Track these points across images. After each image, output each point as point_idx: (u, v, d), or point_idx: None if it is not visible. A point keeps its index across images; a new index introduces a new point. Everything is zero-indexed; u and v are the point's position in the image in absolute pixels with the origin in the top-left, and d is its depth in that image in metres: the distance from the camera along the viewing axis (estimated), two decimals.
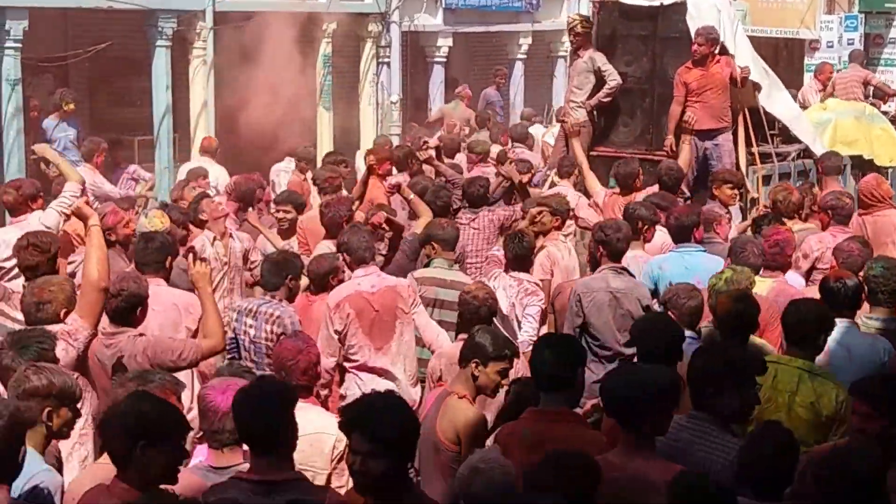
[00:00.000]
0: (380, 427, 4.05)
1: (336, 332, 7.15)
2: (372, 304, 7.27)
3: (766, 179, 11.71)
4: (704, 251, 8.25)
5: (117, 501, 4.04)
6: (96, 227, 6.24)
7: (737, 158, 11.52)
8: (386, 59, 18.24)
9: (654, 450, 4.70)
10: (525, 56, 20.62)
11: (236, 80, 18.18)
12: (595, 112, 11.75)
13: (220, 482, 4.46)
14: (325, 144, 17.46)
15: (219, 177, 13.09)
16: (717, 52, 11.19)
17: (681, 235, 8.30)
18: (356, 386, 7.10)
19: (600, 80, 11.63)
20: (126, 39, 15.58)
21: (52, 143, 14.06)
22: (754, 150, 11.82)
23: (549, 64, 21.67)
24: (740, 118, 11.66)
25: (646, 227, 8.44)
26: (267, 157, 17.40)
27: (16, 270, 7.88)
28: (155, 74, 15.07)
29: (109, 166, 14.02)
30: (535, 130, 16.17)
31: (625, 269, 7.71)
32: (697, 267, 7.92)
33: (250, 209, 10.01)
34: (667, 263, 8.12)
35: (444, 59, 19.34)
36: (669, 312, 6.63)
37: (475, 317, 6.58)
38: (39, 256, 6.91)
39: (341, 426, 4.20)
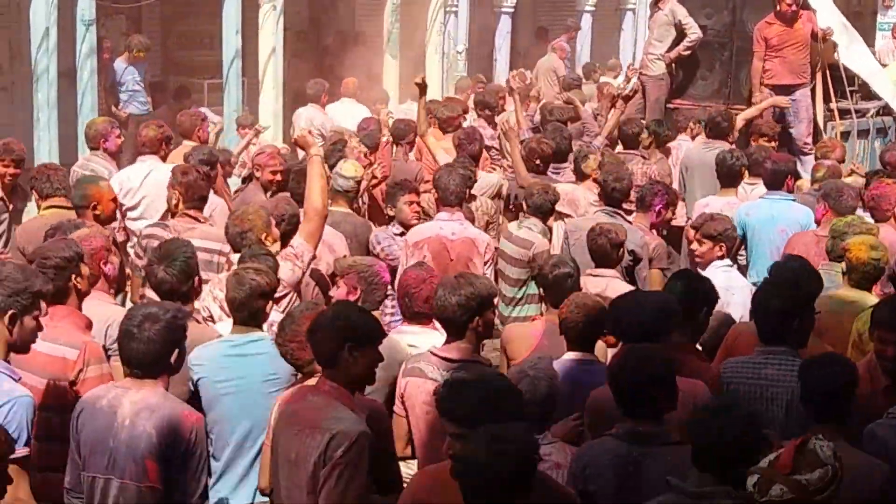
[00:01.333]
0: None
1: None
2: (449, 251, 7.31)
3: (845, 136, 11.62)
4: (794, 200, 8.21)
5: (325, 397, 4.41)
6: (318, 157, 6.47)
7: (814, 114, 11.43)
8: (454, 9, 18.15)
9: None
10: (593, 8, 20.45)
11: (304, 26, 18.34)
12: (674, 65, 11.69)
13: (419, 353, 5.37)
14: (391, 91, 17.43)
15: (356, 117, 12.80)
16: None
17: (774, 182, 8.29)
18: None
19: (680, 33, 11.57)
20: None
21: (121, 84, 14.26)
22: (833, 105, 11.73)
23: (618, 17, 21.50)
24: (818, 74, 11.57)
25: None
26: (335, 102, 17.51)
27: (141, 209, 8.08)
28: (225, 18, 15.05)
29: (174, 108, 14.15)
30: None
31: (619, 212, 7.79)
32: (783, 215, 7.97)
33: None
34: (754, 209, 8.18)
35: (512, 10, 19.22)
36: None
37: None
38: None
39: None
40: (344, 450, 4.24)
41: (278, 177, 8.38)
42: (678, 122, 11.04)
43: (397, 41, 17.48)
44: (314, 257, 6.40)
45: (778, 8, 10.98)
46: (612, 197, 7.94)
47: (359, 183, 8.06)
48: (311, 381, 4.72)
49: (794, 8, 10.94)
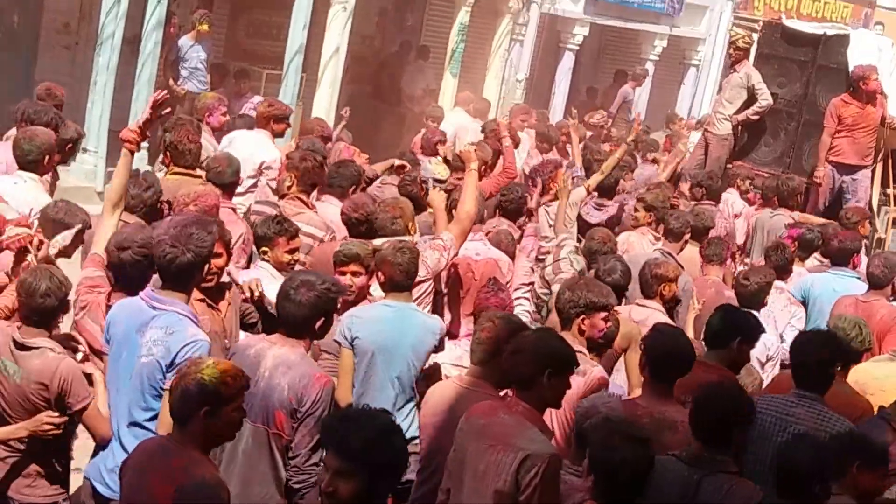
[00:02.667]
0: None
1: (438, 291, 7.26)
2: (473, 271, 7.46)
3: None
4: (859, 278, 8.35)
5: (518, 417, 4.66)
6: (475, 171, 7.25)
7: (870, 196, 11.40)
8: (520, 38, 18.11)
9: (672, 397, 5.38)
10: (657, 58, 20.39)
11: (371, 31, 18.34)
12: (740, 127, 11.68)
13: None
14: (445, 110, 17.40)
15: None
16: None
17: (840, 258, 8.53)
18: None
19: (751, 97, 11.55)
20: None
21: (184, 61, 14.25)
22: (889, 191, 11.73)
23: (681, 70, 21.45)
24: (880, 158, 11.57)
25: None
26: (389, 109, 17.51)
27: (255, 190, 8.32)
28: (295, 11, 15.02)
29: (230, 94, 14.13)
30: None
31: (673, 255, 8.22)
32: (847, 292, 8.07)
33: None
34: (818, 282, 8.41)
35: (577, 48, 19.17)
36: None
37: None
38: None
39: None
40: (537, 471, 4.47)
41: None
42: (732, 176, 11.16)
43: (459, 60, 17.46)
44: (456, 254, 7.00)
45: (859, 88, 10.95)
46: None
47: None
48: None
49: (878, 90, 10.91)
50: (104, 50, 13.15)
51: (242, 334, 5.83)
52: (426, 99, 17.60)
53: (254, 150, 8.95)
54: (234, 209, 7.35)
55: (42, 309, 5.01)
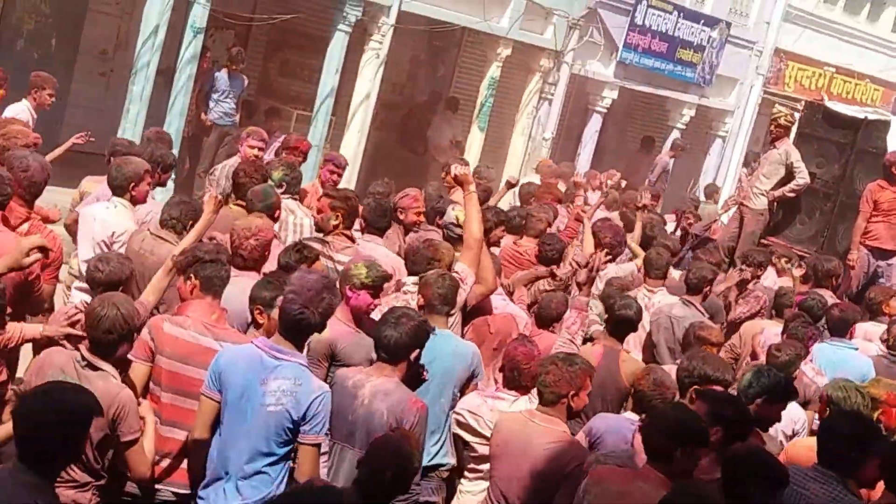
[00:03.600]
0: None
1: None
2: (489, 325, 7.43)
3: None
4: (856, 349, 8.35)
5: (653, 485, 4.87)
6: (474, 194, 7.23)
7: None
8: (549, 96, 18.13)
9: None
10: (684, 127, 20.42)
11: (402, 79, 18.37)
12: (776, 203, 11.66)
13: None
14: (471, 163, 17.39)
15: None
16: None
17: (839, 328, 8.53)
18: None
19: (789, 174, 11.53)
20: (311, 16, 15.63)
21: (216, 93, 14.26)
22: None
23: (706, 141, 21.49)
24: None
25: None
26: (414, 158, 17.49)
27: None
28: (329, 55, 15.06)
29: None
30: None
31: (692, 302, 8.55)
32: (845, 363, 8.11)
33: None
34: (819, 353, 8.27)
35: (605, 111, 19.20)
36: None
37: None
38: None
39: None
40: None
41: (421, 217, 8.86)
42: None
43: (488, 114, 17.48)
44: (475, 281, 7.08)
45: (892, 174, 10.94)
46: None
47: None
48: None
49: None
50: (138, 79, 13.16)
51: None
52: (452, 150, 17.60)
53: None
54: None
55: (104, 342, 5.06)
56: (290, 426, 5.07)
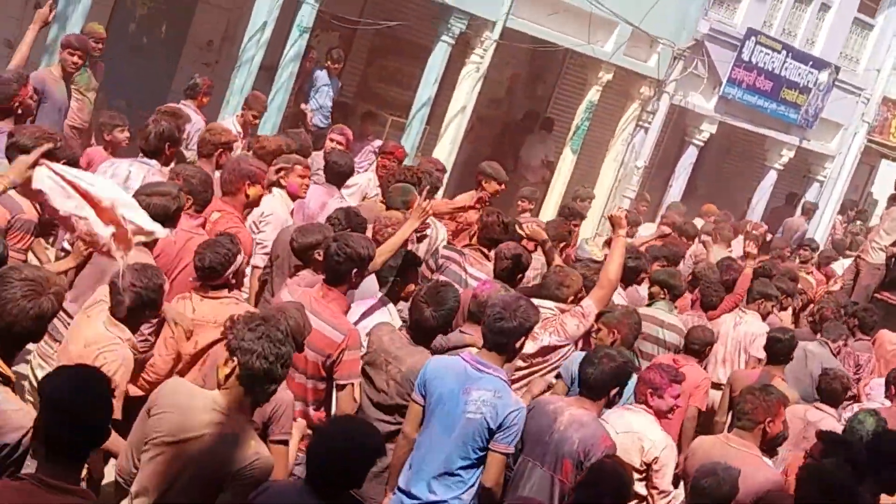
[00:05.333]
0: None
1: None
2: None
3: None
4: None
5: None
6: (623, 238, 7.37)
7: None
8: (646, 124, 18.12)
9: None
10: (781, 168, 20.20)
11: (500, 95, 18.49)
12: (893, 259, 11.70)
13: None
14: (558, 184, 17.47)
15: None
16: None
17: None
18: None
19: None
20: (416, 24, 15.85)
21: (316, 89, 14.56)
22: None
23: (803, 184, 21.22)
24: None
25: None
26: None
27: None
28: (429, 65, 15.26)
29: (355, 135, 14.37)
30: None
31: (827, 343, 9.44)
32: None
33: None
34: None
35: (702, 144, 19.09)
36: None
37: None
38: None
39: None
40: None
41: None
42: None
43: (582, 137, 17.51)
44: (596, 320, 7.28)
45: None
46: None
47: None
48: None
49: None
50: (241, 73, 13.49)
51: None
52: (542, 170, 17.69)
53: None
54: None
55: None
56: (486, 434, 5.54)
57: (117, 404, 4.37)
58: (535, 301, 7.11)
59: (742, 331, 9.58)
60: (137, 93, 13.98)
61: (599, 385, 5.92)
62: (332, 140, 10.75)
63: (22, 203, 6.13)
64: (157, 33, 15.10)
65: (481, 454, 5.57)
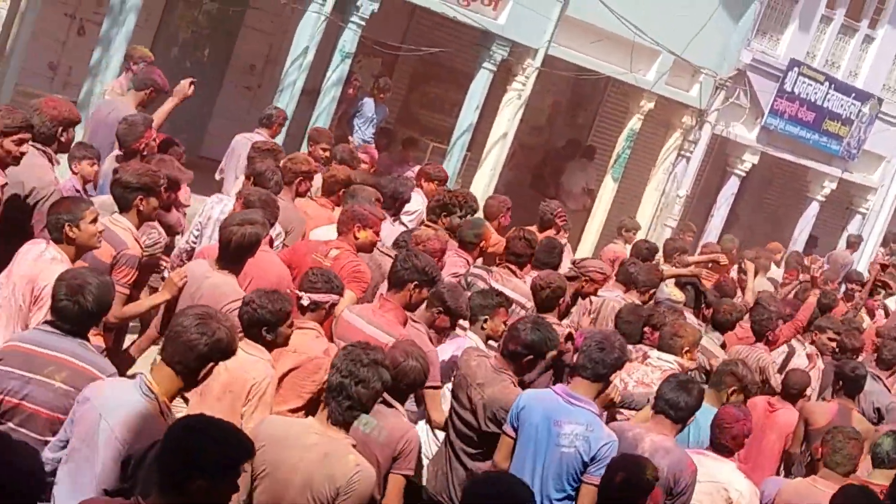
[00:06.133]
0: None
1: None
2: None
3: None
4: None
5: None
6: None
7: None
8: (687, 154, 18.00)
9: None
10: (823, 199, 20.01)
11: (541, 122, 18.46)
12: None
13: None
14: (599, 211, 17.37)
15: None
16: None
17: None
18: None
19: None
20: (457, 51, 15.86)
21: (362, 118, 14.55)
22: None
23: (845, 216, 21.00)
24: None
25: None
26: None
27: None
28: (471, 91, 15.23)
29: (397, 160, 14.39)
30: None
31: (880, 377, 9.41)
32: None
33: None
34: None
35: (744, 174, 18.95)
36: None
37: None
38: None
39: None
40: None
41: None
42: None
43: (623, 166, 17.43)
44: None
45: None
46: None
47: None
48: None
49: None
50: (283, 97, 13.49)
51: None
52: (583, 198, 17.60)
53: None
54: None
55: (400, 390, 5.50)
56: (581, 467, 5.64)
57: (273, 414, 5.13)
58: (656, 353, 7.55)
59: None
60: (179, 115, 13.96)
61: (688, 413, 5.98)
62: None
63: (126, 239, 6.28)
64: (200, 57, 15.16)
65: (576, 485, 5.64)
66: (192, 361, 4.36)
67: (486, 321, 6.94)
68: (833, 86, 18.84)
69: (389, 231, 8.49)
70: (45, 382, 4.65)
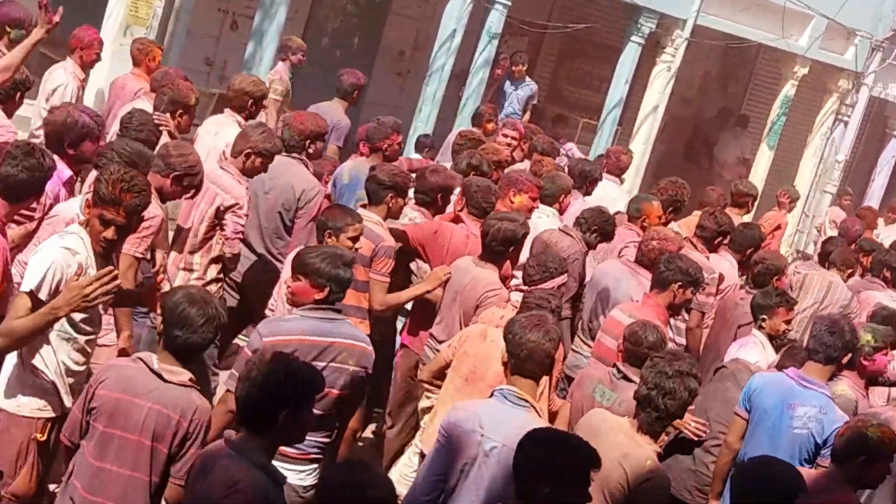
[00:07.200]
0: None
1: None
2: None
3: None
4: None
5: None
6: None
7: None
8: (845, 118, 17.51)
9: None
10: None
11: (692, 93, 18.21)
12: None
13: None
14: (757, 181, 17.03)
15: None
16: None
17: None
18: None
19: None
20: (604, 26, 15.77)
21: (506, 97, 14.57)
22: None
23: None
24: None
25: None
26: (699, 173, 17.29)
27: None
28: (620, 66, 15.10)
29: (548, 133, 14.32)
30: None
31: None
32: None
33: None
34: None
35: None
36: None
37: None
38: None
39: None
40: None
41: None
42: None
43: (778, 133, 17.05)
44: None
45: None
46: None
47: None
48: None
49: None
50: (433, 81, 13.61)
51: None
52: (739, 167, 17.31)
53: None
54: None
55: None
56: (813, 449, 5.81)
57: None
58: None
59: None
60: None
61: None
62: (504, 136, 10.64)
63: (380, 233, 6.69)
64: (350, 45, 15.44)
65: (809, 467, 5.71)
66: None
67: (764, 320, 7.10)
68: None
69: (580, 206, 8.65)
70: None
